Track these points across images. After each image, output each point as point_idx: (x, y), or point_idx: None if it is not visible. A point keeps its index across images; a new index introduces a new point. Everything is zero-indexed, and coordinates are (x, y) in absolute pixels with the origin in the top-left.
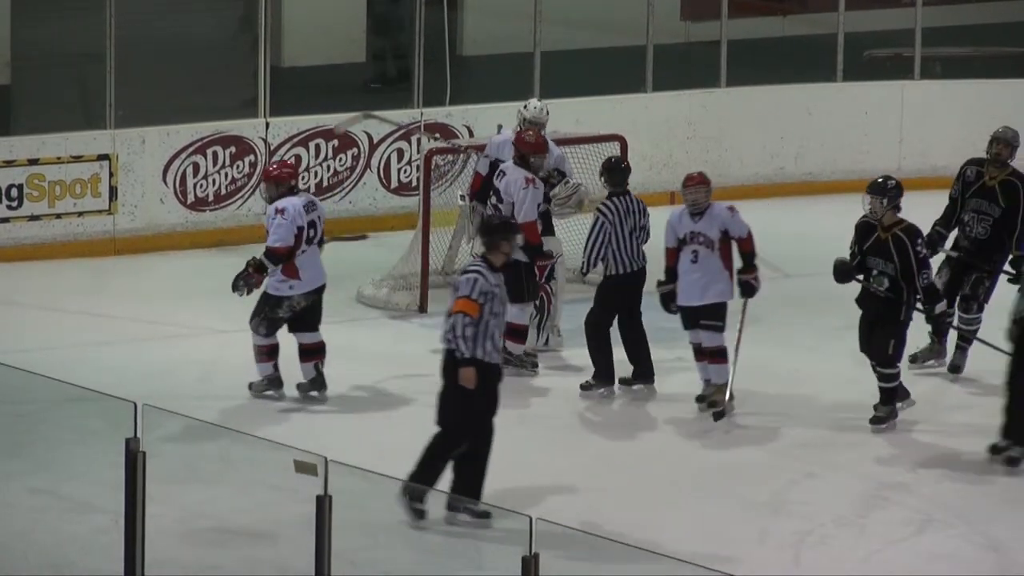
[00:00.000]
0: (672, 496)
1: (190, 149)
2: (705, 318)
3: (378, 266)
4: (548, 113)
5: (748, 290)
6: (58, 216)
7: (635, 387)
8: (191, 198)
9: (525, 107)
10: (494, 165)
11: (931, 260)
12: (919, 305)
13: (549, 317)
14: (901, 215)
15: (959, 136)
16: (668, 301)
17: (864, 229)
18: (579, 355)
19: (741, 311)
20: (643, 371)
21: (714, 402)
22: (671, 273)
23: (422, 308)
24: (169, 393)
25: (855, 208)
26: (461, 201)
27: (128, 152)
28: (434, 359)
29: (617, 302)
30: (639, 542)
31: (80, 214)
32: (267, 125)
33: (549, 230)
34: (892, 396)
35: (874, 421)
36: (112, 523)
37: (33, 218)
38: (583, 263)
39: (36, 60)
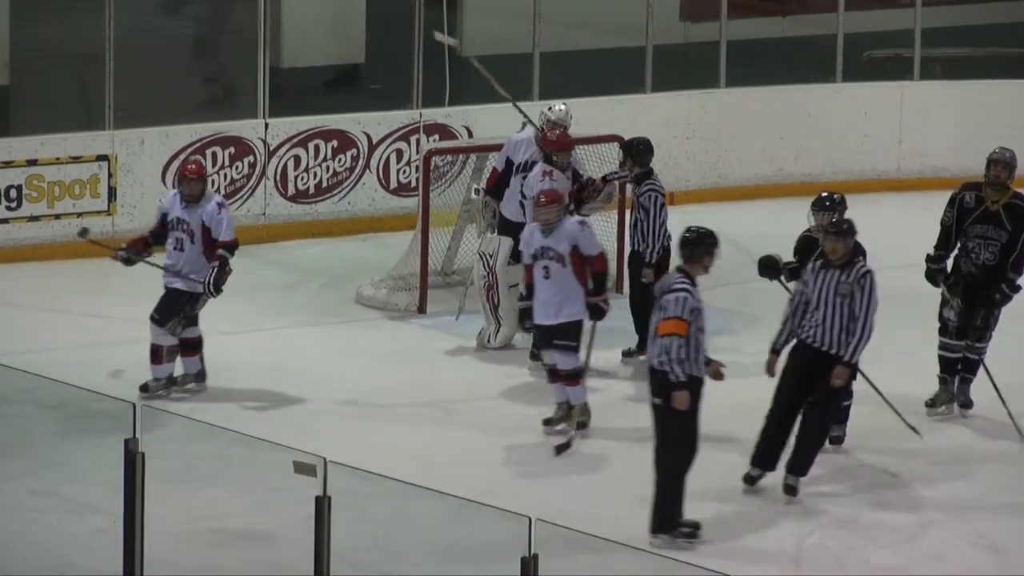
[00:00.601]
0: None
1: (189, 150)
2: (559, 338)
3: (377, 267)
4: (572, 116)
5: (597, 313)
6: (57, 217)
7: (641, 358)
8: None
9: (550, 109)
10: (510, 163)
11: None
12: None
13: None
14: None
15: (958, 137)
16: (523, 318)
17: (808, 243)
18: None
19: (590, 333)
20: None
21: (582, 423)
22: (529, 290)
23: (421, 309)
24: (169, 393)
25: (855, 209)
26: (475, 195)
27: (127, 153)
28: (433, 358)
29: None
30: (639, 542)
31: (79, 215)
32: (266, 126)
33: None
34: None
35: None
36: (111, 524)
37: (32, 219)
38: (652, 252)
39: (35, 61)
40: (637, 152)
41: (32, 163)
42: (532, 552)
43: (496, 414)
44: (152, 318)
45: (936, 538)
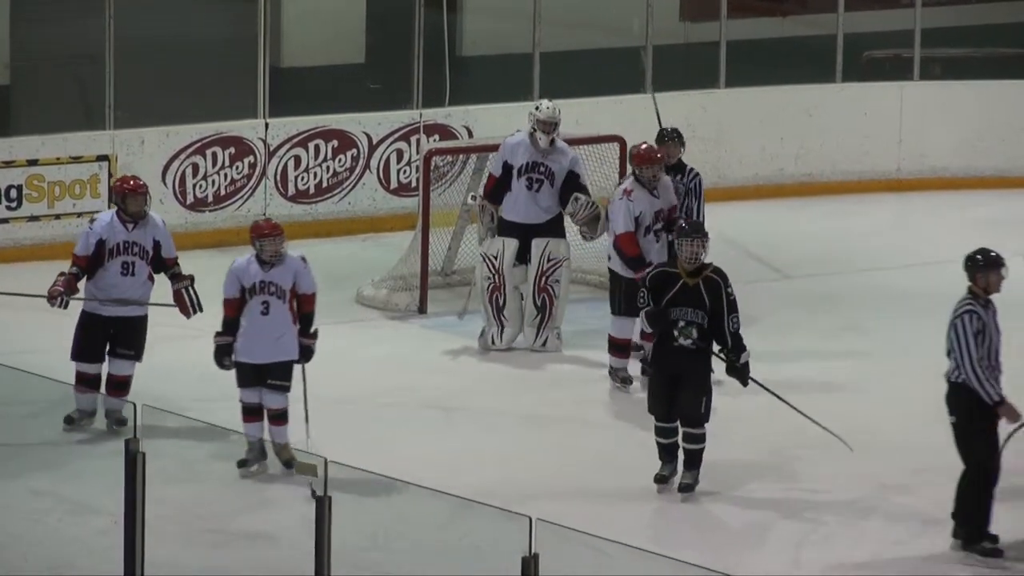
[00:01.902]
0: (672, 496)
1: (189, 150)
2: (274, 377)
3: (378, 267)
4: (560, 112)
5: (307, 354)
6: (57, 217)
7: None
8: (190, 199)
9: (537, 108)
10: (508, 167)
11: None
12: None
13: (550, 319)
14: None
15: (958, 137)
16: (223, 355)
17: (662, 279)
18: (579, 357)
19: (302, 376)
20: None
21: (287, 461)
22: (231, 325)
23: (422, 309)
24: (169, 394)
25: (855, 209)
26: (471, 200)
27: (127, 153)
28: (434, 359)
29: None
30: (639, 542)
31: (79, 215)
32: (266, 126)
33: (559, 232)
34: (700, 458)
35: (683, 489)
36: (112, 524)
37: (32, 219)
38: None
39: (35, 60)
40: (678, 140)
41: (32, 163)
42: (532, 552)
43: (497, 414)
44: (125, 355)
45: (937, 539)
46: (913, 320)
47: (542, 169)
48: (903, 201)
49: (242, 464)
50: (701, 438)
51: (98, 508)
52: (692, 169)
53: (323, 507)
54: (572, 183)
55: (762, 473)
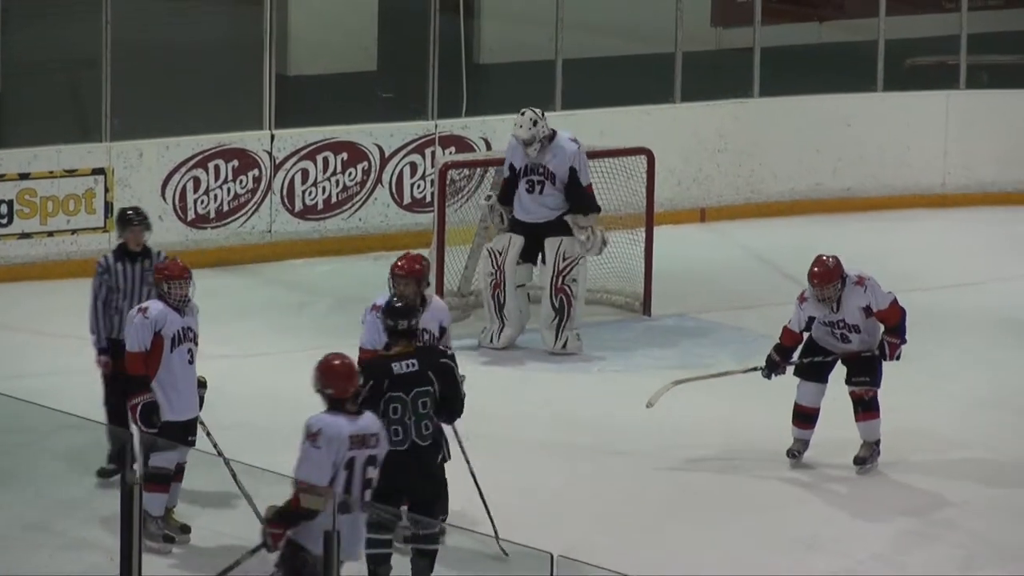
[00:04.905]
0: (701, 532)
1: (191, 163)
2: (192, 432)
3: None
4: (539, 121)
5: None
6: (50, 234)
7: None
8: (191, 215)
9: (520, 127)
10: (512, 168)
11: None
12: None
13: (569, 320)
14: None
15: (1007, 150)
16: (153, 414)
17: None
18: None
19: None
20: None
21: (185, 527)
22: (143, 383)
23: None
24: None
25: (897, 226)
26: (485, 201)
27: (125, 166)
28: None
29: None
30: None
31: (74, 232)
32: (272, 137)
33: (567, 230)
34: None
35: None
36: (108, 561)
37: (24, 236)
38: None
39: (28, 67)
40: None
41: (24, 176)
42: None
43: (516, 442)
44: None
45: None
46: (958, 346)
47: (540, 171)
48: (948, 218)
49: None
50: None
51: (93, 543)
52: None
53: (332, 543)
54: (572, 183)
55: (794, 505)
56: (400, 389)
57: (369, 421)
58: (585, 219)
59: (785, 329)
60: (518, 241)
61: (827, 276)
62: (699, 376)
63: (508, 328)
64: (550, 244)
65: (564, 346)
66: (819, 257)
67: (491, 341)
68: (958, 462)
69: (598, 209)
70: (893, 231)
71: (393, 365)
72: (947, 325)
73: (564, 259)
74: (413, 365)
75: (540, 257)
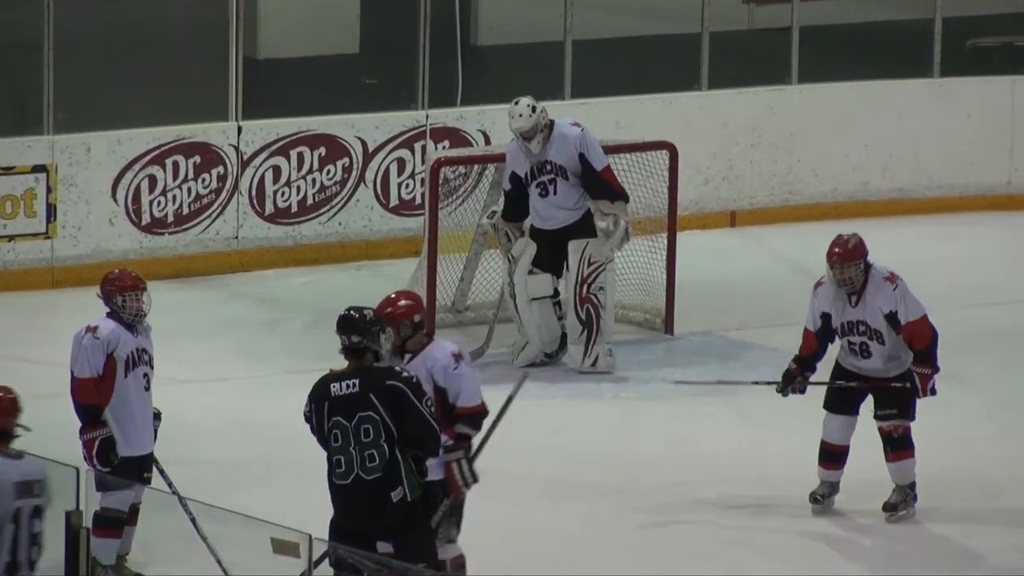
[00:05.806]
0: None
1: (145, 159)
2: (148, 469)
3: (373, 301)
4: (538, 110)
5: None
6: None
7: None
8: (146, 219)
9: (519, 115)
10: (516, 178)
11: None
12: None
13: (599, 334)
14: None
15: None
16: (110, 450)
17: None
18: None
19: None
20: None
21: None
22: (96, 413)
23: None
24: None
25: (955, 231)
26: (487, 220)
27: (70, 162)
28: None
29: None
30: None
31: (11, 238)
32: (239, 130)
33: (591, 232)
34: None
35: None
36: None
37: None
38: None
39: None
40: None
41: None
42: None
43: (524, 478)
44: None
45: None
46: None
47: (548, 168)
48: (1015, 221)
49: None
50: None
51: None
52: None
53: None
54: (586, 170)
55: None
56: (339, 413)
57: (32, 466)
58: (611, 206)
59: (804, 333)
60: (531, 249)
61: (847, 255)
62: (700, 381)
63: (529, 347)
64: (573, 248)
65: (594, 363)
66: (839, 235)
67: (513, 361)
68: (1008, 511)
69: (626, 197)
70: (952, 237)
71: (332, 385)
72: (1016, 345)
73: (589, 264)
74: (353, 386)
75: (565, 266)
